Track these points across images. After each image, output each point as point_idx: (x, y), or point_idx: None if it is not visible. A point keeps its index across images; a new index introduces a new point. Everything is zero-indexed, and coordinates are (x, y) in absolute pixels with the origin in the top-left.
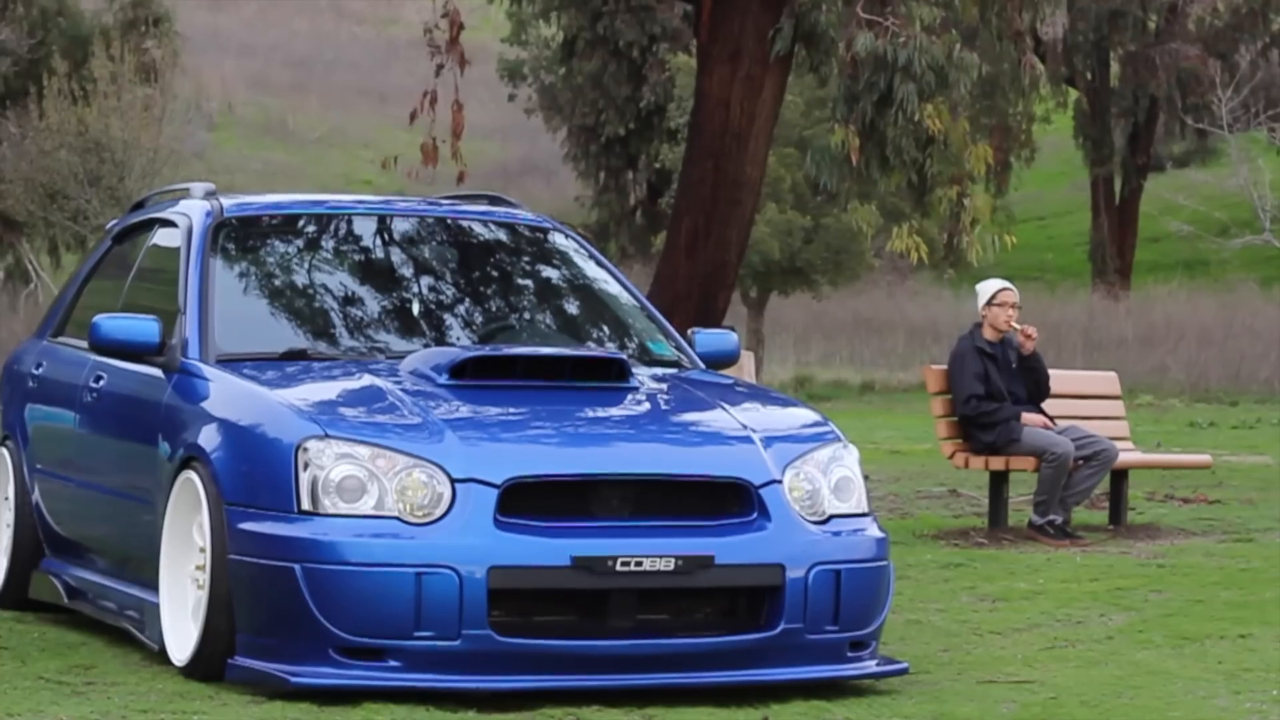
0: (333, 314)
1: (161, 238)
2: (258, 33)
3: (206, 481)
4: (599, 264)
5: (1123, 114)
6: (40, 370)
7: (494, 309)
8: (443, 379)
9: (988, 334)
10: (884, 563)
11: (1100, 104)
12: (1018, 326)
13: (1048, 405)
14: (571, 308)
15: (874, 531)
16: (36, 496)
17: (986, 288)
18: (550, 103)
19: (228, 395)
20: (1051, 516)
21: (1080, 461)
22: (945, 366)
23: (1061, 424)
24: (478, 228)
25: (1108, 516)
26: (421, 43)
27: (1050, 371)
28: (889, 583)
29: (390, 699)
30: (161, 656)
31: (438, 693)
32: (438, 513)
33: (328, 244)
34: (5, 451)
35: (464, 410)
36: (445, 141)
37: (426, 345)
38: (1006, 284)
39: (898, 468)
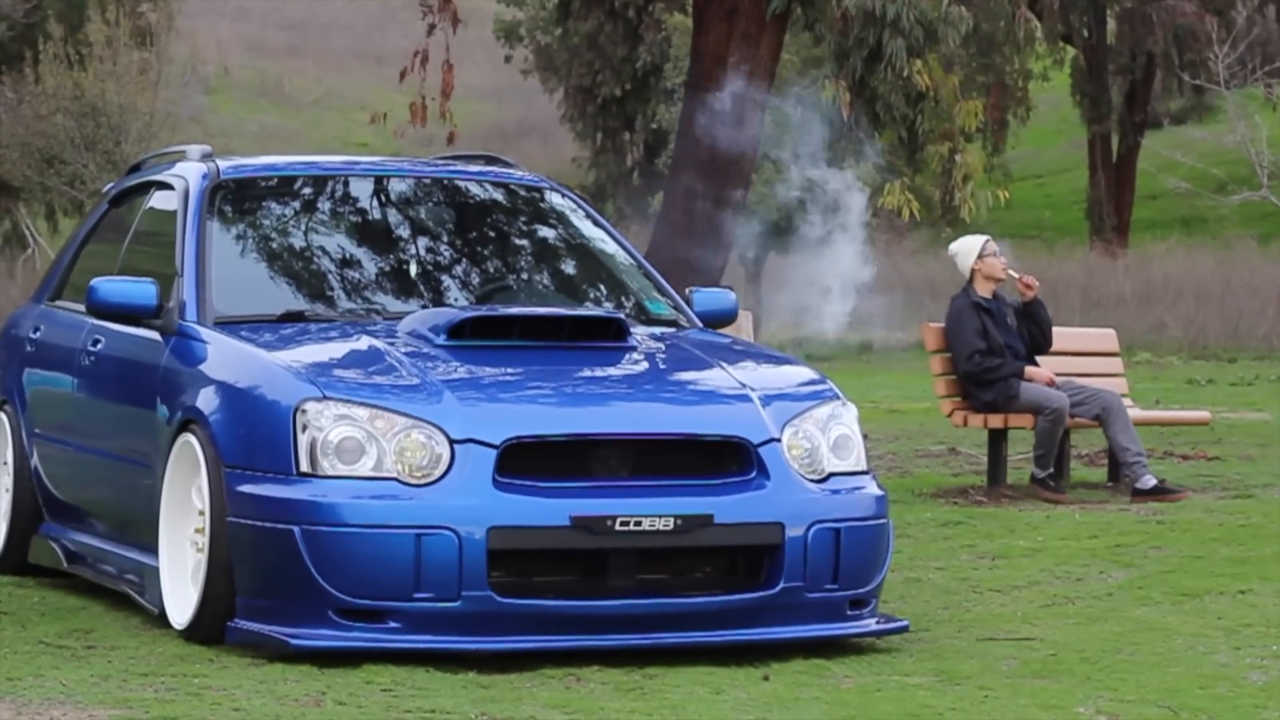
0: (330, 276)
1: (158, 200)
2: None
3: (205, 444)
4: (596, 223)
5: (1120, 71)
6: (38, 334)
7: (491, 269)
8: (440, 340)
9: (981, 289)
10: (883, 521)
11: (1097, 61)
12: (1015, 274)
13: (1046, 362)
14: (569, 267)
15: (873, 489)
16: (35, 461)
17: (969, 244)
18: (547, 63)
19: (225, 358)
20: (1051, 470)
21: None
22: (943, 325)
23: (1059, 381)
24: (474, 188)
25: (1106, 474)
26: (417, 6)
27: None
28: (888, 541)
29: (390, 660)
30: (161, 620)
31: (438, 654)
32: (436, 473)
33: (324, 205)
34: (4, 416)
35: (462, 371)
36: (434, 100)
37: (424, 306)
38: (984, 236)
39: (896, 426)
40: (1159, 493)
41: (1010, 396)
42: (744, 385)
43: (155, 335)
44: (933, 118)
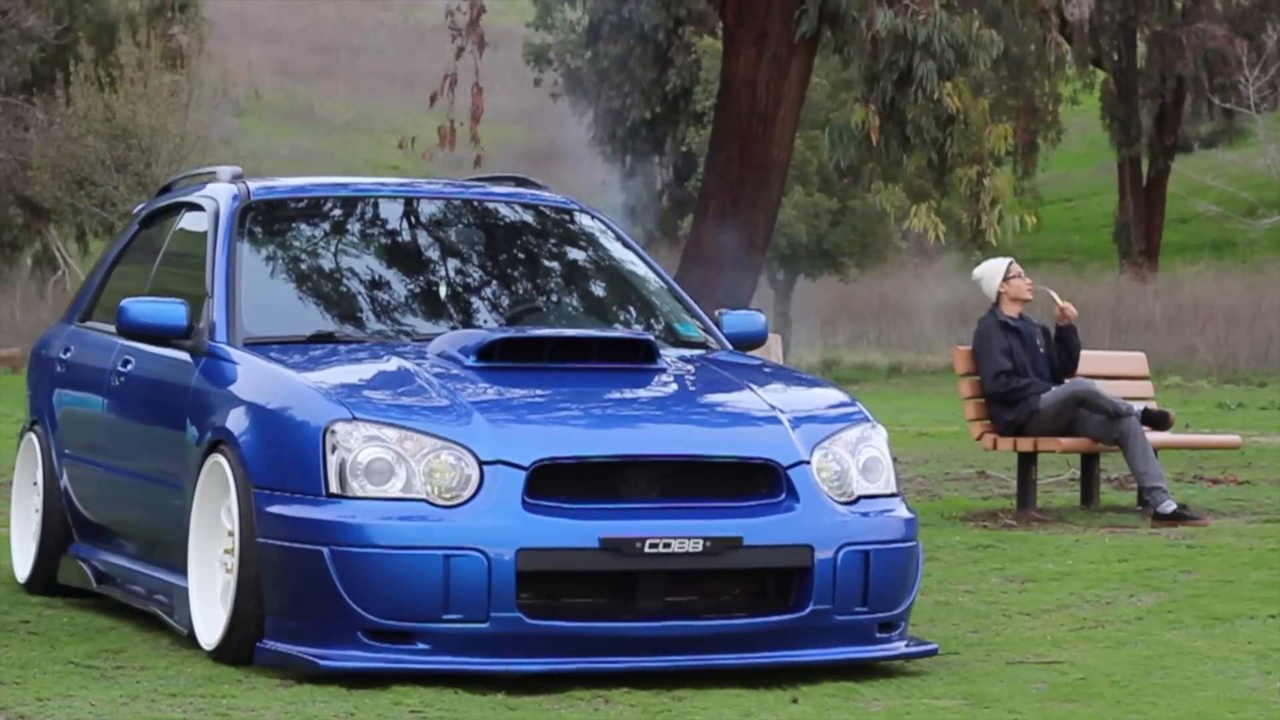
0: (359, 297)
1: (188, 222)
2: (284, 18)
3: (234, 465)
4: (625, 245)
5: (1149, 94)
6: (68, 355)
7: (520, 291)
8: (470, 361)
9: (1008, 310)
10: (912, 543)
11: (1127, 85)
12: (1055, 296)
13: None
14: (598, 289)
15: (902, 512)
16: (65, 481)
17: (993, 268)
18: (576, 87)
19: (255, 379)
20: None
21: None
22: (970, 346)
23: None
24: (503, 209)
25: (1136, 497)
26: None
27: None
28: (918, 564)
29: (419, 681)
30: (190, 640)
31: (466, 675)
32: (466, 495)
33: (354, 227)
34: (34, 436)
35: (491, 392)
36: (464, 124)
37: (453, 327)
38: (1008, 259)
39: (926, 450)
40: (1179, 518)
41: (1033, 412)
42: (773, 407)
43: (185, 356)
44: (962, 140)
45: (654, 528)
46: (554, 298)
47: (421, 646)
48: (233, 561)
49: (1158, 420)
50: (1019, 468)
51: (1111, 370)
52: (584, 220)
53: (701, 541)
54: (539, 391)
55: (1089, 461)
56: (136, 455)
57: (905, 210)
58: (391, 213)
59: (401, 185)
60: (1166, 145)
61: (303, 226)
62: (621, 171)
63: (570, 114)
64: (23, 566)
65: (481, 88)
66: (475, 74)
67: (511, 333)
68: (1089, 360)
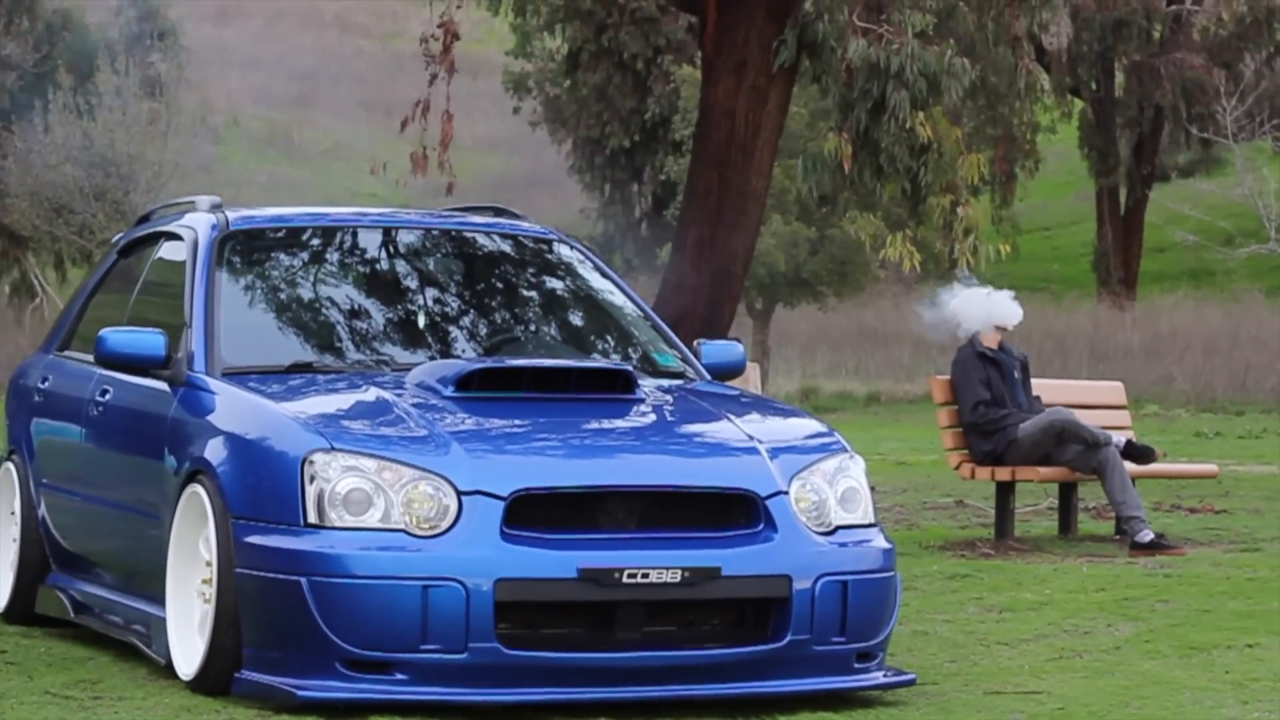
0: (338, 327)
1: (167, 251)
2: (263, 46)
3: (213, 495)
4: (604, 275)
5: (1127, 124)
6: (46, 384)
7: (499, 321)
8: (448, 391)
9: (987, 340)
10: (890, 573)
11: (1105, 114)
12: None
13: None
14: (577, 319)
15: (880, 542)
16: (43, 511)
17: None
18: (555, 115)
19: (233, 408)
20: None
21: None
22: (949, 376)
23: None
24: (482, 239)
25: (1114, 526)
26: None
27: (1056, 382)
28: (896, 593)
29: (397, 712)
30: (168, 671)
31: (444, 706)
32: (444, 525)
33: (333, 256)
34: (11, 466)
35: (470, 422)
36: (435, 150)
37: (432, 357)
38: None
39: (904, 479)
40: (1157, 547)
41: (1010, 442)
42: (751, 438)
43: (163, 386)
44: (935, 170)
45: (632, 558)
46: (533, 328)
47: (400, 677)
48: (211, 592)
49: (1141, 454)
50: (997, 497)
51: (1089, 400)
52: (563, 250)
53: (680, 572)
54: (517, 422)
55: (1067, 491)
56: (115, 485)
57: (882, 240)
58: (370, 242)
59: (380, 215)
60: (1144, 174)
61: (281, 256)
62: (600, 200)
63: (549, 142)
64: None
65: (451, 114)
66: (446, 101)
67: (490, 363)
68: (1067, 390)
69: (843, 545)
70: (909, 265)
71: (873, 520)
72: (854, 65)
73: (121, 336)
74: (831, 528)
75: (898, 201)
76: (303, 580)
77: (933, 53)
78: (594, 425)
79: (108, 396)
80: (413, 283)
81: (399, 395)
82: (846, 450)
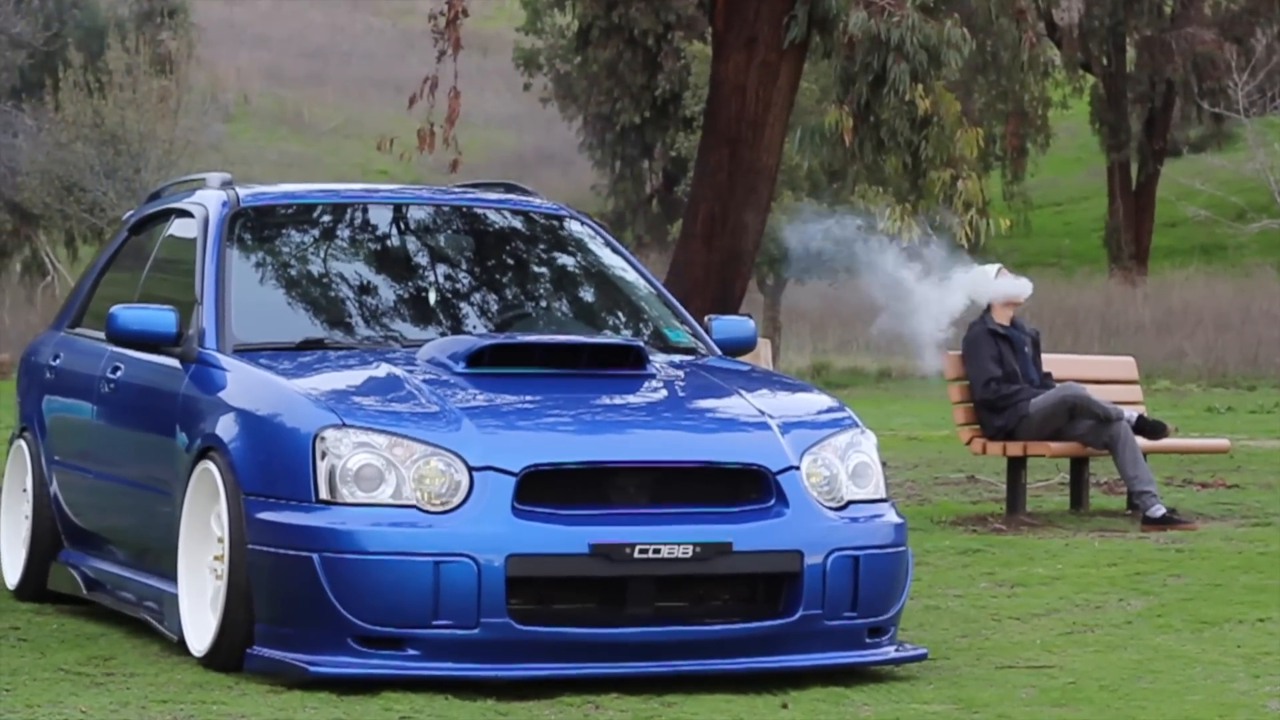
0: (349, 303)
1: (178, 228)
2: (273, 24)
3: (224, 471)
4: (615, 251)
5: (1139, 99)
6: (57, 361)
7: (510, 297)
8: (460, 367)
9: (999, 316)
10: (902, 548)
11: (1116, 89)
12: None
13: None
14: (588, 295)
15: (892, 517)
16: (54, 488)
17: (984, 272)
18: (566, 91)
19: (245, 385)
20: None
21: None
22: (960, 352)
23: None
24: (493, 216)
25: (1126, 501)
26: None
27: (1067, 357)
28: (907, 568)
29: (409, 688)
30: (180, 647)
31: (456, 681)
32: (455, 501)
33: (343, 233)
34: (23, 443)
35: (481, 398)
36: (442, 127)
37: (443, 334)
38: (996, 265)
39: (915, 454)
40: (1168, 522)
41: (1022, 418)
42: (763, 413)
43: (175, 363)
44: (936, 144)
45: (644, 533)
46: (543, 304)
47: (411, 652)
48: (222, 568)
49: (1153, 429)
50: (1008, 472)
51: (1101, 375)
52: (573, 226)
53: (691, 547)
54: (529, 397)
55: (1078, 466)
56: (126, 462)
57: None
58: (381, 219)
59: (391, 192)
60: (1156, 149)
61: (292, 233)
62: (611, 176)
63: (560, 118)
64: (12, 573)
65: (458, 91)
66: (454, 78)
67: (501, 339)
68: (1078, 365)
69: (854, 520)
70: (907, 239)
71: (884, 495)
72: (855, 38)
73: (133, 314)
74: (843, 503)
75: (901, 174)
76: (314, 556)
77: (933, 25)
78: (605, 401)
79: (119, 374)
80: (423, 259)
81: (410, 371)
82: (858, 425)
